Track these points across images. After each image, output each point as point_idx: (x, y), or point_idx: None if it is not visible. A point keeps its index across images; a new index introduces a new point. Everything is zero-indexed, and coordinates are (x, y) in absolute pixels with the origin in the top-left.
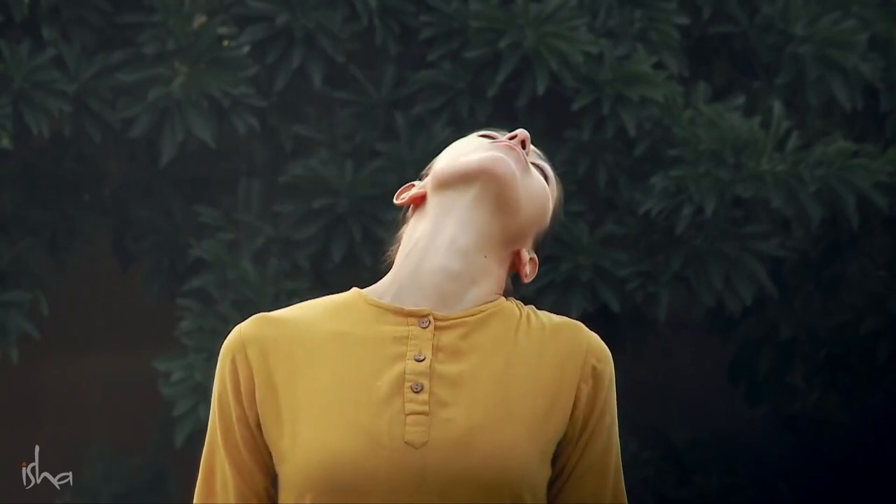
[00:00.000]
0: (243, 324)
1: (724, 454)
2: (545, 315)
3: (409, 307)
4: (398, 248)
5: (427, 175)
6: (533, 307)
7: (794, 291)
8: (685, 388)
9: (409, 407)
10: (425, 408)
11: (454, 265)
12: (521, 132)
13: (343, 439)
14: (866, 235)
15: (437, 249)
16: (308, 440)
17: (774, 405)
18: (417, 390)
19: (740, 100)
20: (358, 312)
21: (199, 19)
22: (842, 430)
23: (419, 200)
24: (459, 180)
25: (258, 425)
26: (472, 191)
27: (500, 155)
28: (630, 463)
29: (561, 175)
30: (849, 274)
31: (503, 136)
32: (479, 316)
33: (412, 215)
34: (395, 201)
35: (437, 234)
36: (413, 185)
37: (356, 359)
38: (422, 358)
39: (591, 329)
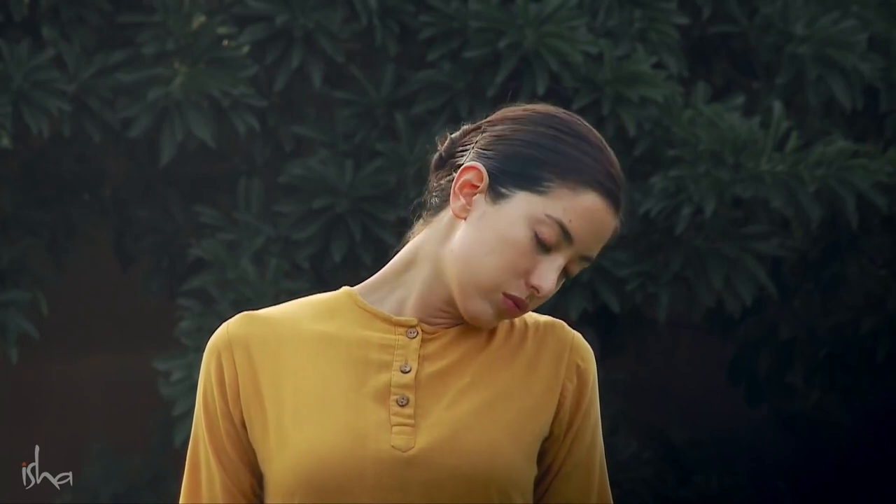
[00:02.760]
0: (230, 321)
1: (723, 454)
2: (528, 314)
3: (397, 317)
4: (423, 230)
5: (484, 177)
6: None
7: (794, 291)
8: (685, 388)
9: (395, 419)
10: (411, 420)
11: (445, 307)
12: (546, 291)
13: (329, 440)
14: (866, 235)
15: (432, 299)
16: (294, 440)
17: (774, 405)
18: (403, 404)
19: (740, 100)
20: (346, 314)
21: (199, 19)
22: (842, 430)
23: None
24: (456, 291)
25: (242, 423)
26: (458, 304)
27: (489, 318)
28: (630, 463)
29: None
30: (848, 274)
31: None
32: (464, 325)
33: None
34: (454, 195)
35: (435, 286)
36: (478, 173)
37: (342, 361)
38: (408, 369)
39: (592, 329)
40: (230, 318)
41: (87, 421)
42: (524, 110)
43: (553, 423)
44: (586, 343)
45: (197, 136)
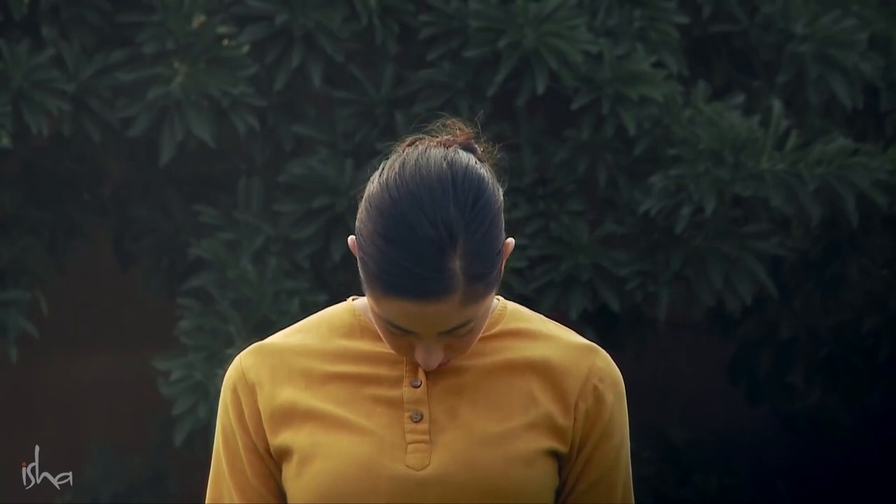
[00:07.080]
0: (242, 355)
1: (723, 454)
2: (563, 330)
3: None
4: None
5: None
6: (542, 317)
7: (794, 291)
8: (685, 388)
9: (410, 437)
10: (426, 437)
11: None
12: (432, 368)
13: (344, 460)
14: (866, 234)
15: None
16: (311, 461)
17: (774, 405)
18: (417, 420)
19: (740, 99)
20: (352, 333)
21: (199, 19)
22: (842, 430)
23: None
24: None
25: (268, 452)
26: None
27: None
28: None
29: (561, 174)
30: (849, 273)
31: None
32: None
33: None
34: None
35: None
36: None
37: (353, 380)
38: (418, 384)
39: (592, 329)
40: (230, 317)
41: (87, 421)
42: (389, 175)
43: (569, 441)
44: (612, 367)
45: (197, 135)
